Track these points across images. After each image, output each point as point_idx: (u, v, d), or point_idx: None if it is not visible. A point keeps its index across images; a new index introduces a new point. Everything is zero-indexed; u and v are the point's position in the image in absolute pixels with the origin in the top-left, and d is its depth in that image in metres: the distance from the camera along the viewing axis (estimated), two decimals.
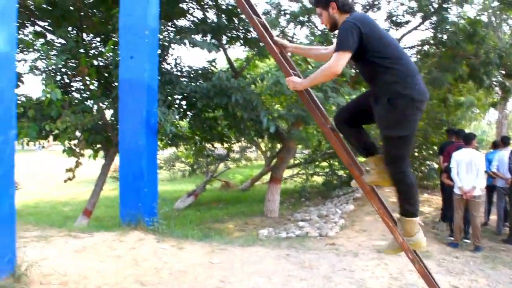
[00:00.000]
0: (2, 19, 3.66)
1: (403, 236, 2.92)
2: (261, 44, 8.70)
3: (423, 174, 13.25)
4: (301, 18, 9.71)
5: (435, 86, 10.20)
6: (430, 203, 10.23)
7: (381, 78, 2.78)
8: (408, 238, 2.92)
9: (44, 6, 7.20)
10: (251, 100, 6.92)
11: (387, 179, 2.93)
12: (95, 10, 8.16)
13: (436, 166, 12.42)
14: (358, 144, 3.05)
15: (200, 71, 8.56)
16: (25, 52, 7.69)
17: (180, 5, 8.85)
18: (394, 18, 10.51)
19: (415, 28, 10.49)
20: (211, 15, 9.37)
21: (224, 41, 9.33)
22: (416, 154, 13.56)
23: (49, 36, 8.17)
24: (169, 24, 8.69)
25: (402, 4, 10.53)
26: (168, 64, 8.16)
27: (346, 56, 2.70)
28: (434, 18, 9.86)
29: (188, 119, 8.40)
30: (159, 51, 6.54)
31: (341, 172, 13.84)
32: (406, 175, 2.90)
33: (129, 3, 5.78)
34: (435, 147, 12.51)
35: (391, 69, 2.76)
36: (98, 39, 8.59)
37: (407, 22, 10.49)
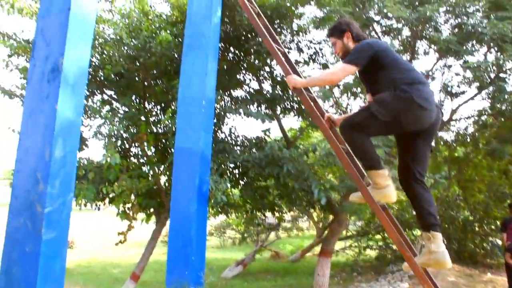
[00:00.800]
0: (73, 90, 3.97)
1: (373, 189, 2.94)
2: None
3: (485, 252, 12.38)
4: (354, 89, 9.80)
5: (495, 158, 9.76)
6: (494, 285, 9.45)
7: (392, 84, 2.95)
8: (378, 190, 2.92)
9: (113, 76, 7.73)
10: (303, 170, 6.91)
11: (442, 260, 2.81)
12: (157, 81, 8.66)
13: (499, 242, 11.62)
14: (417, 210, 3.02)
15: (254, 141, 8.71)
16: (92, 118, 8.22)
17: (237, 76, 9.23)
18: (449, 89, 10.37)
19: (472, 98, 10.24)
20: (266, 86, 9.69)
21: (278, 111, 9.52)
22: (477, 229, 12.79)
23: (114, 104, 8.72)
24: (226, 94, 9.04)
25: (457, 75, 10.40)
26: (222, 132, 8.39)
27: (350, 69, 2.99)
28: (491, 88, 9.63)
29: (239, 188, 8.45)
30: (214, 120, 6.76)
31: (395, 247, 13.16)
32: (355, 133, 2.95)
33: (189, 75, 6.10)
34: (498, 222, 11.77)
35: (401, 75, 2.96)
36: (158, 107, 9.05)
37: (463, 93, 10.30)
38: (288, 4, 8.24)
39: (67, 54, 3.95)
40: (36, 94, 4.06)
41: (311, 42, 9.05)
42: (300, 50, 9.16)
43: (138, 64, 7.70)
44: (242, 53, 8.90)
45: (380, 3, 6.85)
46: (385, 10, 7.09)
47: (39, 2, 4.29)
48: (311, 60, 9.20)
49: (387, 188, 2.91)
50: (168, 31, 7.48)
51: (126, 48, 7.34)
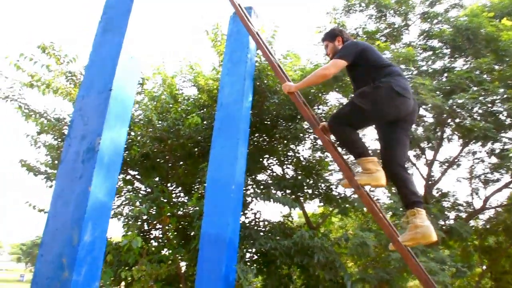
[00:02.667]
0: (108, 171, 3.84)
1: (364, 174, 3.16)
2: (340, 201, 8.57)
3: None
4: None
5: None
6: None
7: (372, 77, 3.29)
8: (369, 175, 3.14)
9: (138, 157, 7.68)
10: (334, 260, 6.53)
11: (428, 233, 2.92)
12: (181, 162, 8.58)
13: None
14: (401, 191, 3.22)
15: (277, 225, 8.39)
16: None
17: (261, 160, 9.12)
18: (481, 177, 10.14)
19: (506, 186, 9.90)
20: (289, 171, 9.54)
21: (301, 197, 9.27)
22: None
23: (136, 184, 8.59)
24: (249, 178, 8.88)
25: (482, 161, 10.17)
26: (247, 218, 8.12)
27: (340, 64, 3.34)
28: None
29: (263, 276, 8.00)
30: None
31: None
32: (344, 127, 3.22)
33: (218, 159, 5.99)
34: None
35: (380, 70, 3.30)
36: (180, 188, 8.88)
37: (497, 180, 10.01)
38: (313, 91, 8.33)
39: (104, 134, 3.88)
40: (69, 174, 3.93)
41: None
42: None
43: (164, 145, 7.66)
44: (267, 138, 8.87)
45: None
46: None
47: (81, 81, 4.32)
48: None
49: (378, 172, 3.13)
50: (195, 114, 7.52)
51: (153, 129, 7.34)
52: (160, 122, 7.46)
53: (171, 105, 7.89)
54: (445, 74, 8.81)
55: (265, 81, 7.38)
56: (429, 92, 6.41)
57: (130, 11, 4.63)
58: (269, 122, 8.40)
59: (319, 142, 9.16)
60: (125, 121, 4.22)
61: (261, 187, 8.78)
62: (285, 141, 8.64)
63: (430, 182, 9.90)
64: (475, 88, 7.15)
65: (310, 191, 8.75)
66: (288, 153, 9.37)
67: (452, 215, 10.11)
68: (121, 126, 4.16)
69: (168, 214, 7.42)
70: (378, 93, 3.15)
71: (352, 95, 3.44)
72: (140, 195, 8.08)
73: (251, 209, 8.18)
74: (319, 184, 8.70)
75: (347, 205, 8.42)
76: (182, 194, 8.83)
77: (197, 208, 6.85)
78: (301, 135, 8.12)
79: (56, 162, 7.78)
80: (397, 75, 3.26)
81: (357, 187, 3.05)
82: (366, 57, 3.35)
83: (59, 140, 7.59)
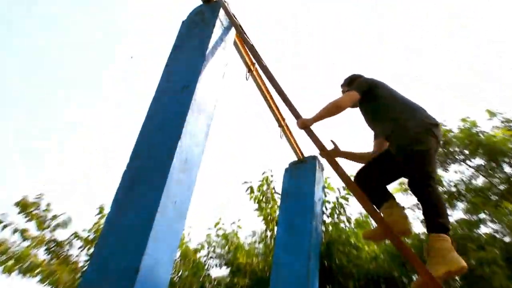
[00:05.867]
0: None
1: (436, 258, 2.52)
2: None
3: None
4: None
5: None
6: None
7: (388, 116, 3.10)
8: (443, 258, 2.51)
9: None
10: None
11: (403, 221, 2.79)
12: None
13: None
14: (377, 191, 2.98)
15: None
16: None
17: None
18: None
19: None
20: None
21: None
22: None
23: None
24: None
25: None
26: None
27: (354, 95, 3.24)
28: None
29: None
30: None
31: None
32: (434, 188, 2.81)
33: None
34: None
35: (399, 106, 3.12)
36: None
37: None
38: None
39: None
40: None
41: None
42: None
43: None
44: None
45: None
46: None
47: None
48: None
49: (452, 252, 2.52)
50: None
51: None
52: None
53: None
54: None
55: (336, 260, 5.16)
56: None
57: (170, 168, 2.96)
58: None
59: None
60: None
61: None
62: None
63: None
64: None
65: None
66: None
67: None
68: None
69: None
70: (420, 131, 2.89)
71: (400, 153, 2.91)
72: None
73: None
74: None
75: None
76: None
77: None
78: None
79: None
80: (417, 108, 3.09)
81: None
82: (377, 93, 3.25)
83: None
